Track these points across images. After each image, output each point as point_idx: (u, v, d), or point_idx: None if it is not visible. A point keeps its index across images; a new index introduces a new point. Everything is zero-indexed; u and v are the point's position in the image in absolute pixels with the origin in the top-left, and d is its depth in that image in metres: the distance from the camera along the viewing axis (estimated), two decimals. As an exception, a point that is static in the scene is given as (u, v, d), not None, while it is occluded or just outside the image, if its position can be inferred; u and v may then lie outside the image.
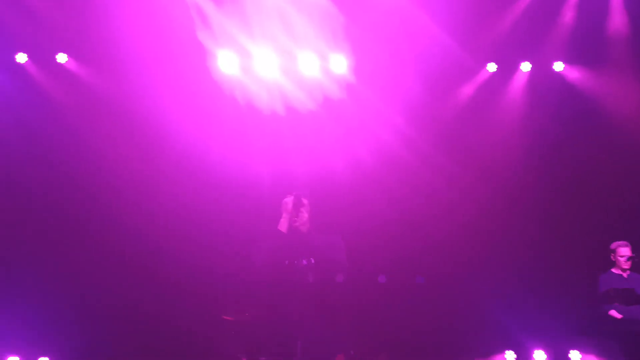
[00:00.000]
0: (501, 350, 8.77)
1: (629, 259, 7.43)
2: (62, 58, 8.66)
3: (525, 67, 9.17)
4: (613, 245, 7.57)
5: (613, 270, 7.58)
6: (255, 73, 8.69)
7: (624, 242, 7.53)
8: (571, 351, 8.47)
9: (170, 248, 8.79)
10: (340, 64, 8.78)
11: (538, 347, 8.68)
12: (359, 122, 8.95)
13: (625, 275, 7.52)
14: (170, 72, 8.73)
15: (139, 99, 8.81)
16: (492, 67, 9.16)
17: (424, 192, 9.04)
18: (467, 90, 9.26)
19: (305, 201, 5.71)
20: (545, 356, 8.64)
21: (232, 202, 8.89)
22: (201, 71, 8.61)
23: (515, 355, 8.70)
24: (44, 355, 8.58)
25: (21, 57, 8.62)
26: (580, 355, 8.34)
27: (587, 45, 8.93)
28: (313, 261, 5.59)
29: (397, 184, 8.98)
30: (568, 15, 8.73)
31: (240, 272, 8.40)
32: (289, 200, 5.73)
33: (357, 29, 8.49)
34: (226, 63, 8.58)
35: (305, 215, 5.68)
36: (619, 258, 7.49)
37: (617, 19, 8.72)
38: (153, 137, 8.85)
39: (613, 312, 7.31)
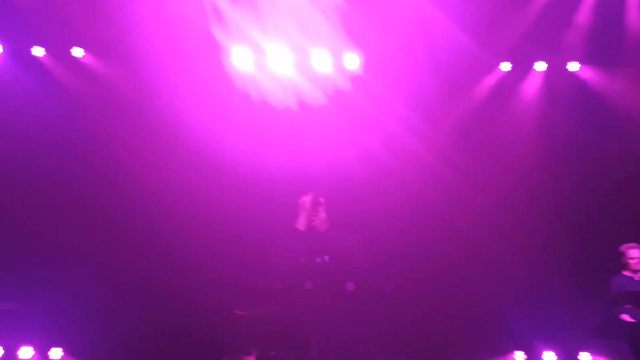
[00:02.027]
0: (510, 350, 8.68)
1: None
2: (78, 52, 8.71)
3: (540, 66, 9.12)
4: (622, 248, 7.46)
5: (624, 272, 7.47)
6: (269, 69, 8.71)
7: (634, 244, 7.42)
8: (581, 353, 8.37)
9: (185, 243, 8.86)
10: (353, 60, 8.80)
11: (548, 349, 8.60)
12: (373, 118, 8.95)
13: (636, 277, 7.39)
14: (184, 68, 8.78)
15: (154, 94, 8.90)
16: (506, 66, 9.11)
17: (438, 188, 9.04)
18: (482, 87, 9.23)
19: (322, 200, 5.73)
20: (555, 357, 8.55)
21: (246, 196, 8.92)
22: (215, 67, 8.66)
23: (525, 356, 8.61)
24: (57, 346, 8.64)
25: (37, 51, 8.67)
26: (590, 358, 8.25)
27: (603, 45, 8.84)
28: (327, 259, 5.62)
29: (412, 179, 8.97)
30: (584, 14, 8.64)
31: (254, 268, 8.44)
32: (307, 199, 5.76)
33: (370, 25, 8.49)
34: (240, 59, 8.61)
35: (323, 214, 5.73)
36: (629, 260, 7.38)
37: (634, 18, 8.62)
38: (167, 131, 8.92)
39: (625, 317, 7.24)
